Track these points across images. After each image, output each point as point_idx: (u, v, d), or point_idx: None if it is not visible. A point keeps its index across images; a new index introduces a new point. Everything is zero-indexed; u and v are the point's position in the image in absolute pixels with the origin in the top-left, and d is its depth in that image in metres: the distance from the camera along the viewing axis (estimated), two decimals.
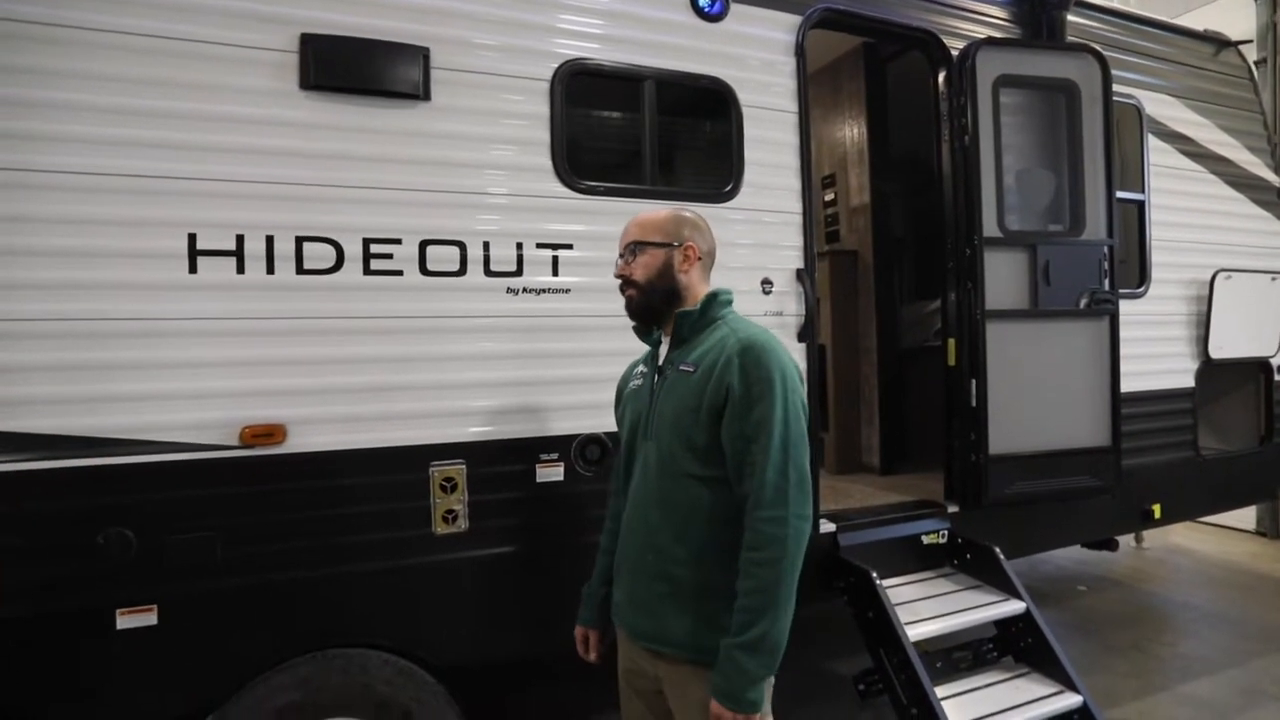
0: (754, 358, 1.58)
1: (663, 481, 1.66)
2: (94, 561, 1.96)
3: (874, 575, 2.68)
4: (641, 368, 1.88)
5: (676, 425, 1.64)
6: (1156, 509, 3.79)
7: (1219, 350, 3.92)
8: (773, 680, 1.58)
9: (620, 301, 2.65)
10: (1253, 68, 4.45)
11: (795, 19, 2.91)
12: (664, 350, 1.78)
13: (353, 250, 2.23)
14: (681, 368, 1.68)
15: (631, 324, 1.84)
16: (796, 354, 2.76)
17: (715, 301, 1.75)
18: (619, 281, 1.79)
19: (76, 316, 1.96)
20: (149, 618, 2.01)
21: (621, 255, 1.78)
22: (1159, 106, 3.87)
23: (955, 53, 3.22)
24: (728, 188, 2.76)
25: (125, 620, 1.99)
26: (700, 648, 1.58)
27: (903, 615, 2.68)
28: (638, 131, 2.66)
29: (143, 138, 2.03)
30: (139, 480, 2.00)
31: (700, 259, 1.77)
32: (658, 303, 1.74)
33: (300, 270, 2.17)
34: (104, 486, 1.97)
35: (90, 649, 1.98)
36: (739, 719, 1.48)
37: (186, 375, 2.06)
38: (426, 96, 2.32)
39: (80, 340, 1.97)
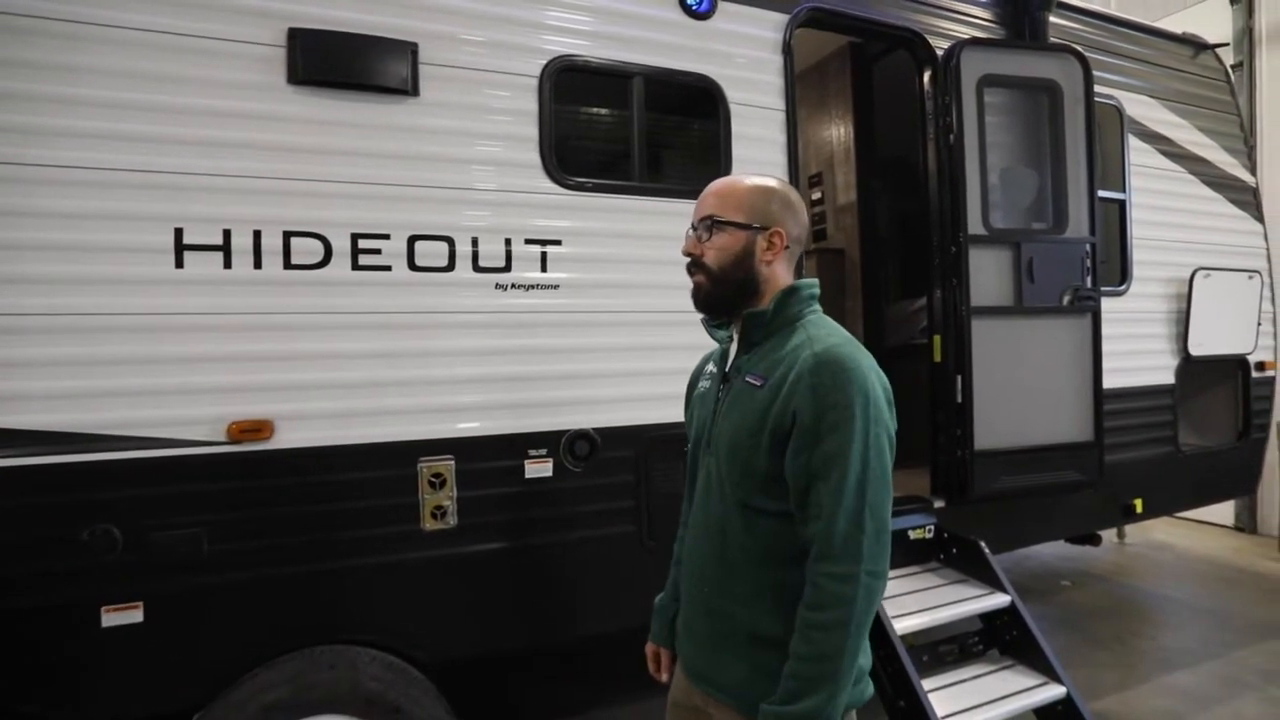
0: (830, 377, 1.29)
1: (720, 507, 1.43)
2: (79, 558, 1.94)
3: None
4: (711, 366, 1.59)
5: (735, 449, 1.39)
6: (1138, 503, 3.85)
7: (1198, 347, 3.98)
8: None
9: (608, 297, 2.66)
10: (1229, 71, 4.53)
11: (783, 18, 2.93)
12: (733, 352, 1.49)
13: (341, 245, 2.22)
14: (748, 379, 1.41)
15: (700, 316, 1.55)
16: None
17: (793, 298, 1.43)
18: (686, 260, 1.48)
19: (60, 311, 1.94)
20: (135, 615, 1.99)
21: (694, 228, 1.47)
22: (1139, 107, 3.92)
23: (940, 53, 3.25)
24: None
25: (111, 618, 1.97)
26: (754, 703, 1.33)
27: (889, 609, 2.71)
28: (626, 128, 2.66)
29: (129, 132, 2.02)
30: (125, 476, 1.98)
31: (788, 247, 1.45)
32: (729, 295, 1.45)
33: (288, 265, 2.16)
34: (89, 482, 1.95)
35: (75, 646, 1.95)
36: None
37: (173, 370, 2.04)
38: (415, 92, 2.32)
39: (64, 335, 1.95)
